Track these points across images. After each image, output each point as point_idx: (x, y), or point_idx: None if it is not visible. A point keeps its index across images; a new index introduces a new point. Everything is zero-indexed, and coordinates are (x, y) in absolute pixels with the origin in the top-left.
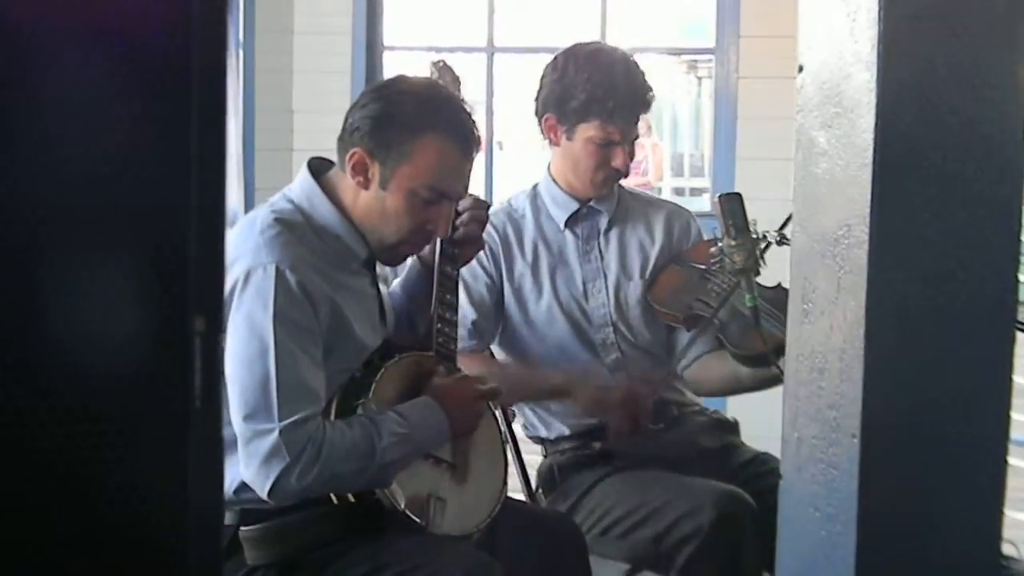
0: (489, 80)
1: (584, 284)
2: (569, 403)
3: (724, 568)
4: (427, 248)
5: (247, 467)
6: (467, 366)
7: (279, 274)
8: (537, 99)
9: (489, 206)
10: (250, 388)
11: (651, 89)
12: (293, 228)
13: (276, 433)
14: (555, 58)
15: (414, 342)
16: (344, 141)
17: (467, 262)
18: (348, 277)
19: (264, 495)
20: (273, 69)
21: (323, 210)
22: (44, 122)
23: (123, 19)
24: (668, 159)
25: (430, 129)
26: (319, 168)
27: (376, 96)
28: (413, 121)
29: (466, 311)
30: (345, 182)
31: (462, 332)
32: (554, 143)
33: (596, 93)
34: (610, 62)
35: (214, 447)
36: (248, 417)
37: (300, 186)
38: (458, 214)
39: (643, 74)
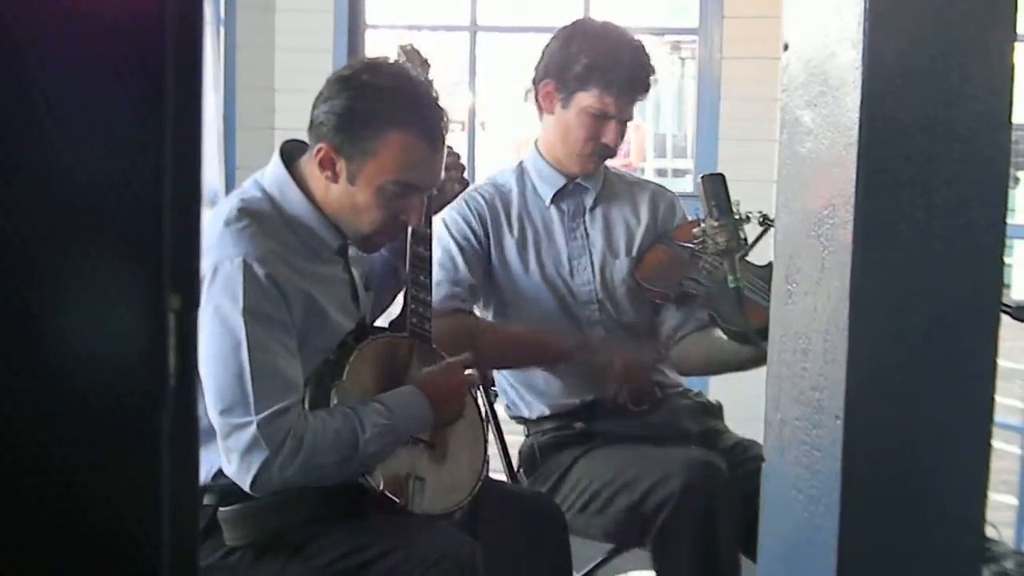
0: (472, 59)
1: (569, 260)
2: (566, 368)
3: (697, 532)
4: None
5: (228, 462)
6: (466, 321)
7: (247, 267)
8: (537, 66)
9: (457, 155)
10: (225, 382)
11: (654, 72)
12: (261, 219)
13: (254, 426)
14: (562, 28)
15: (391, 325)
16: (311, 133)
17: (449, 201)
18: (320, 265)
19: (247, 488)
20: (254, 47)
21: (294, 200)
22: (9, 101)
23: None
24: (651, 140)
25: (394, 126)
26: (292, 152)
27: (340, 88)
28: (377, 118)
29: (461, 270)
30: (316, 171)
31: (460, 291)
32: (547, 111)
33: (600, 62)
34: (619, 37)
35: (189, 425)
36: (225, 411)
37: (272, 174)
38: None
39: (648, 57)
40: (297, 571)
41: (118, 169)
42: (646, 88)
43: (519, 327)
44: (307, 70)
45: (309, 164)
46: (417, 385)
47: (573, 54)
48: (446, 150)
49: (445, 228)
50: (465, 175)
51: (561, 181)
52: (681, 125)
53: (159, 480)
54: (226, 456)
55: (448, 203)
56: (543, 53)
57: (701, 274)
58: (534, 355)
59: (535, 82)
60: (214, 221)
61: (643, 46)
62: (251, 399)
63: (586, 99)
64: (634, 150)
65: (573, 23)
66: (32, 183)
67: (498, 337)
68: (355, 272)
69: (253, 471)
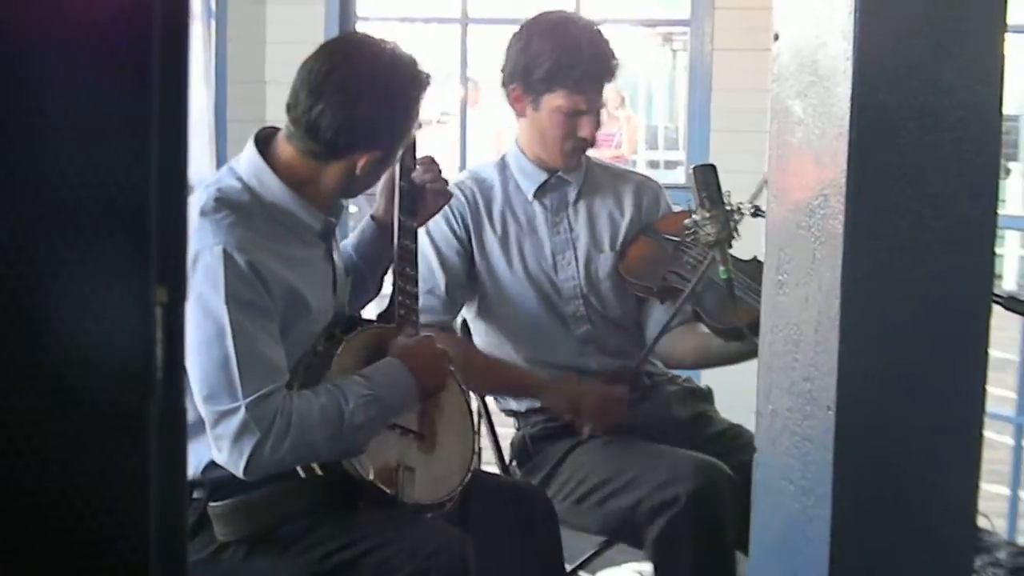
0: (463, 51)
1: (553, 255)
2: (553, 360)
3: (701, 539)
4: (381, 207)
5: (219, 450)
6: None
7: (227, 255)
8: (503, 70)
9: (437, 166)
10: (211, 370)
11: (616, 57)
12: (239, 208)
13: (242, 410)
14: (519, 28)
15: (378, 317)
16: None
17: (433, 214)
18: (302, 249)
19: (240, 474)
20: (245, 40)
21: (272, 187)
22: None
23: None
24: (643, 132)
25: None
26: (267, 140)
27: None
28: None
29: (438, 279)
30: (293, 154)
31: (435, 304)
32: (520, 114)
33: (561, 62)
34: (574, 31)
35: (176, 418)
36: (211, 399)
37: (248, 163)
38: (415, 163)
39: (608, 42)
40: (289, 566)
41: (104, 163)
42: (611, 73)
43: (495, 359)
44: (298, 63)
45: (281, 143)
46: (395, 356)
47: (533, 56)
48: (428, 160)
49: (426, 232)
50: (448, 187)
51: (543, 176)
52: (673, 117)
53: (147, 473)
54: (216, 444)
55: (432, 215)
56: (506, 56)
57: (685, 268)
58: (509, 385)
59: (503, 86)
60: (190, 211)
61: (600, 33)
62: (238, 384)
63: (555, 100)
64: (626, 142)
65: (528, 21)
66: (17, 178)
67: (477, 362)
68: (336, 260)
69: (246, 455)
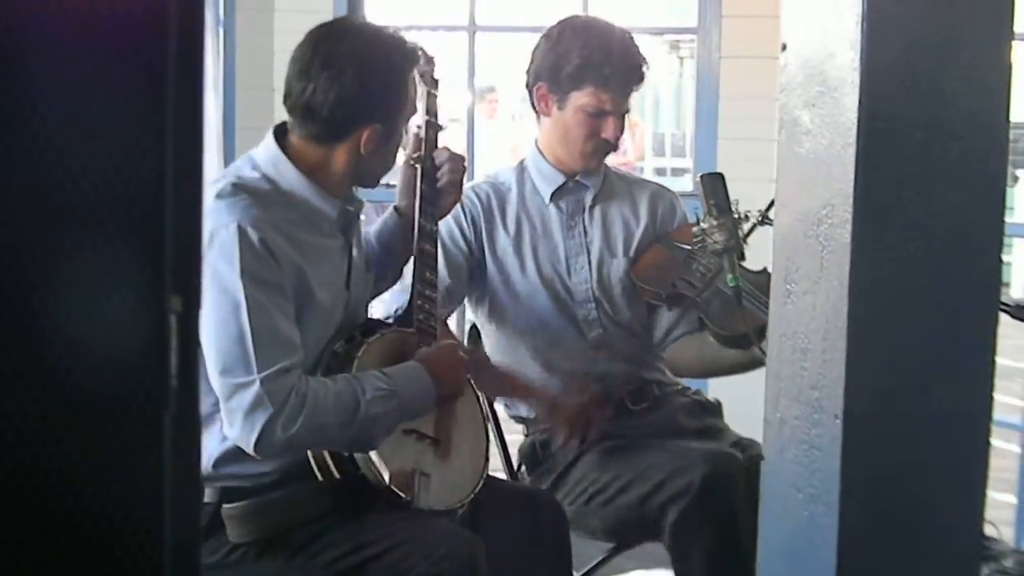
0: (471, 59)
1: (567, 259)
2: (532, 404)
3: (717, 525)
4: (404, 201)
5: (231, 424)
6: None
7: (242, 232)
8: (529, 70)
9: (463, 158)
10: (226, 345)
11: (646, 62)
12: (256, 194)
13: (257, 384)
14: (549, 29)
15: (397, 320)
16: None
17: (448, 210)
18: (318, 238)
19: (250, 449)
20: (253, 47)
21: (289, 175)
22: (11, 100)
23: None
24: (650, 139)
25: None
26: (284, 134)
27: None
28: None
29: (441, 274)
30: (308, 147)
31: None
32: (544, 113)
33: (591, 59)
34: (606, 32)
35: (189, 425)
36: (226, 372)
37: (266, 152)
38: (436, 168)
39: (638, 48)
40: (301, 568)
41: (119, 171)
42: (640, 79)
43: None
44: None
45: (294, 139)
46: (417, 360)
47: (563, 54)
48: (448, 153)
49: None
50: (464, 179)
51: (561, 179)
52: (680, 124)
53: (162, 480)
54: (228, 418)
55: (451, 206)
56: (533, 56)
57: (695, 276)
58: (502, 389)
59: (529, 86)
60: (207, 196)
61: (631, 37)
62: (253, 358)
63: (581, 98)
64: (632, 148)
65: (559, 22)
66: (33, 186)
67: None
68: (355, 255)
69: (257, 430)
